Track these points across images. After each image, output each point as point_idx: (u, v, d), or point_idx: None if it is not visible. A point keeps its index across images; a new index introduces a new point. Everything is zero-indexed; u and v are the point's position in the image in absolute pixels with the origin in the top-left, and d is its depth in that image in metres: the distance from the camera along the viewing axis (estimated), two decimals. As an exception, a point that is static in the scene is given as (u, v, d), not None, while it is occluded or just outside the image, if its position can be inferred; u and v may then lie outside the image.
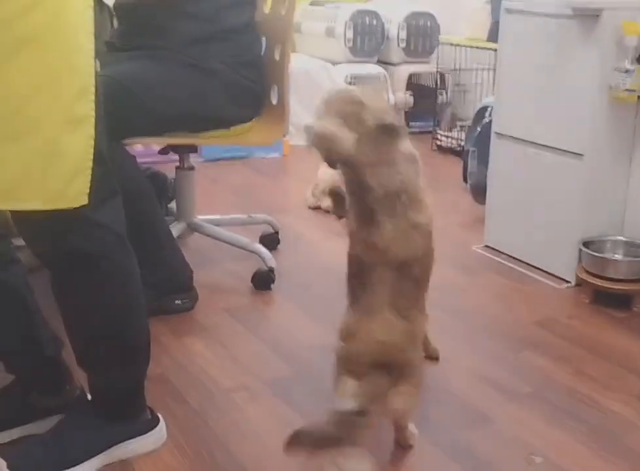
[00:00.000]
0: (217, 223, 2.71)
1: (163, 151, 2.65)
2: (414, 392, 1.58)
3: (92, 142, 1.36)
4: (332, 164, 1.52)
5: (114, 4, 2.36)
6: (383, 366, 1.52)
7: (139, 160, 2.36)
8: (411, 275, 1.55)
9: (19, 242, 1.56)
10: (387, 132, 1.50)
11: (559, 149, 2.58)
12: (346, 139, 1.46)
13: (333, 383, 1.57)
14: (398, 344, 1.54)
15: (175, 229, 2.55)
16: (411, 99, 4.77)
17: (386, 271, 1.52)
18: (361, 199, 1.53)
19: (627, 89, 2.38)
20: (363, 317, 1.54)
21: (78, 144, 1.34)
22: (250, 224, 2.87)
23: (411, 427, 1.72)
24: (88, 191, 1.37)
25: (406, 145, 1.58)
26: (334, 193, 1.64)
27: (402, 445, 1.72)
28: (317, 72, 4.53)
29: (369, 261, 1.54)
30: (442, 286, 2.58)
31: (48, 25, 1.26)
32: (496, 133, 2.83)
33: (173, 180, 2.76)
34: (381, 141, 1.50)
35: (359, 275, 1.56)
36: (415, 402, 1.62)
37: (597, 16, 2.38)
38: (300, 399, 1.89)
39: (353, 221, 1.56)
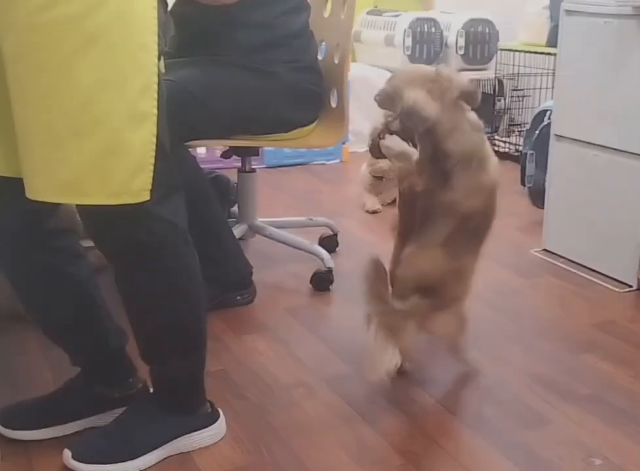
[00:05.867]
0: (278, 225, 2.75)
1: (225, 155, 2.70)
2: (452, 320, 1.83)
3: (154, 139, 1.39)
4: (412, 132, 1.79)
5: (171, 12, 2.36)
6: (424, 292, 1.80)
7: (202, 165, 2.41)
8: (471, 226, 1.80)
9: (86, 243, 1.61)
10: (467, 99, 1.77)
11: (620, 150, 2.55)
12: (432, 108, 1.71)
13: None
14: (440, 277, 1.80)
15: (237, 230, 2.59)
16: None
17: (449, 220, 1.78)
18: (437, 163, 1.76)
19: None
20: (413, 250, 1.82)
21: (141, 140, 1.37)
22: (310, 226, 2.89)
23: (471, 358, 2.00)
24: (150, 186, 1.40)
25: (473, 115, 1.81)
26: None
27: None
28: (376, 80, 4.55)
29: (435, 213, 1.78)
30: (499, 289, 2.57)
31: (114, 23, 1.30)
32: (555, 135, 2.81)
33: (235, 184, 2.81)
34: (459, 109, 1.76)
35: (417, 219, 1.82)
36: (455, 330, 1.87)
37: (659, 15, 2.36)
38: (357, 396, 1.91)
39: (427, 181, 1.78)
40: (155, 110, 1.39)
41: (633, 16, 2.43)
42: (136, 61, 1.35)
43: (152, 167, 1.40)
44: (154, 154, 1.40)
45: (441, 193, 1.77)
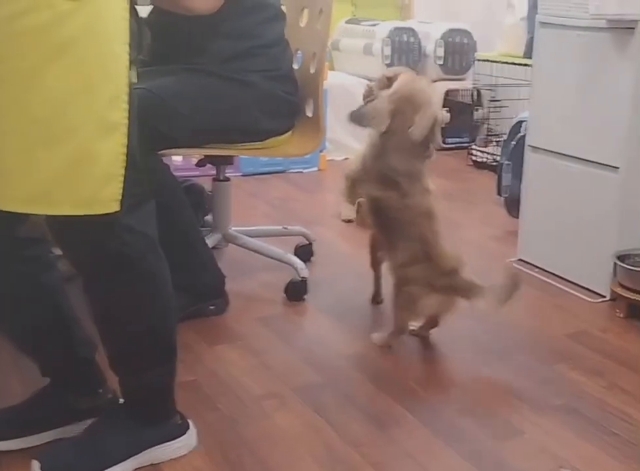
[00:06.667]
0: (252, 234, 2.74)
1: (200, 163, 2.69)
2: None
3: (124, 150, 1.38)
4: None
5: (147, 21, 2.33)
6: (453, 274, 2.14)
7: (176, 173, 2.40)
8: (434, 218, 2.16)
9: (57, 251, 1.60)
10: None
11: (594, 162, 2.57)
12: (384, 121, 2.15)
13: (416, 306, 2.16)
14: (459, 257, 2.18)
15: (211, 240, 2.58)
16: (447, 115, 4.78)
17: (423, 220, 2.13)
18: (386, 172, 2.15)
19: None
20: (426, 249, 2.14)
21: (111, 150, 1.36)
22: (285, 235, 2.89)
23: None
24: (119, 197, 1.39)
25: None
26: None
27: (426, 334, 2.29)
28: (353, 88, 4.56)
29: (406, 218, 2.13)
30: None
31: (84, 32, 1.29)
32: (530, 146, 2.83)
33: (209, 193, 2.80)
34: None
35: (394, 231, 2.18)
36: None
37: (632, 28, 2.37)
38: (328, 406, 1.91)
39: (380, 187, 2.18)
40: (125, 120, 1.38)
41: (607, 29, 2.45)
42: (106, 71, 1.34)
43: (121, 178, 1.39)
44: (124, 164, 1.39)
45: (399, 198, 2.13)
